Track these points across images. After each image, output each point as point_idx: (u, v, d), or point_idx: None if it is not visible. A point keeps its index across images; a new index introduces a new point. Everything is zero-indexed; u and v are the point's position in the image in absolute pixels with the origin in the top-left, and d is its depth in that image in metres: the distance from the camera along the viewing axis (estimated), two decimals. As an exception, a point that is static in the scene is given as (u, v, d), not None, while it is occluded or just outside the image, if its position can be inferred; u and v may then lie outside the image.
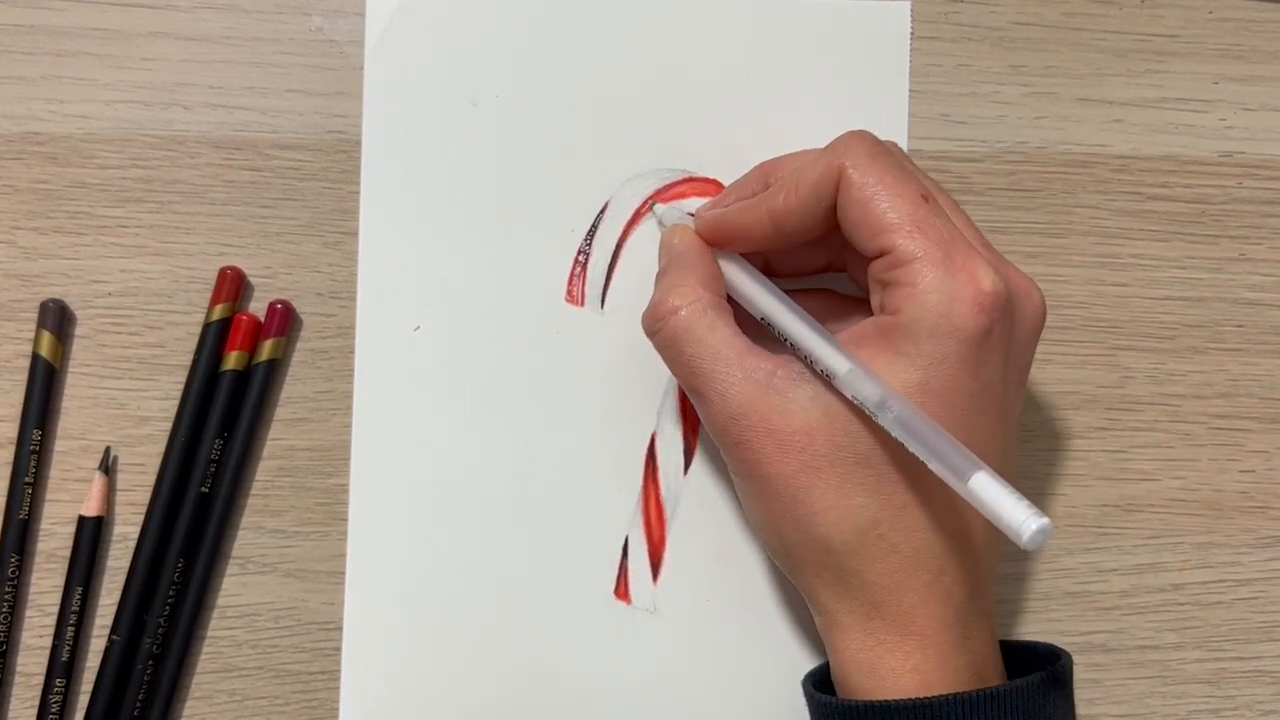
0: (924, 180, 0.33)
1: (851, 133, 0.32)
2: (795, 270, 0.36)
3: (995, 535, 0.33)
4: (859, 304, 0.35)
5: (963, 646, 0.31)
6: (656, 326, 0.33)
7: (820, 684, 0.34)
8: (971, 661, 0.32)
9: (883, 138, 0.33)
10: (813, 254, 0.35)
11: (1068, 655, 0.33)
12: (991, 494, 0.27)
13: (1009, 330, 0.31)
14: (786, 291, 0.34)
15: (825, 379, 0.31)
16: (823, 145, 0.33)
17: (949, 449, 0.28)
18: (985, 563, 0.33)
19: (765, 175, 0.35)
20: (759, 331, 0.33)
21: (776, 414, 0.31)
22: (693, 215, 0.36)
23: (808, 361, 0.32)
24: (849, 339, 0.31)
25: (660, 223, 0.37)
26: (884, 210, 0.30)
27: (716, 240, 0.35)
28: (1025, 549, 0.27)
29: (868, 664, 0.32)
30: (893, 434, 0.29)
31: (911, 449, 0.29)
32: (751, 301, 0.34)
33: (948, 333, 0.30)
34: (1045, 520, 0.27)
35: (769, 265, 0.36)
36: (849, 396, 0.30)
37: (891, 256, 0.30)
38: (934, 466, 0.29)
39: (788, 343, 0.32)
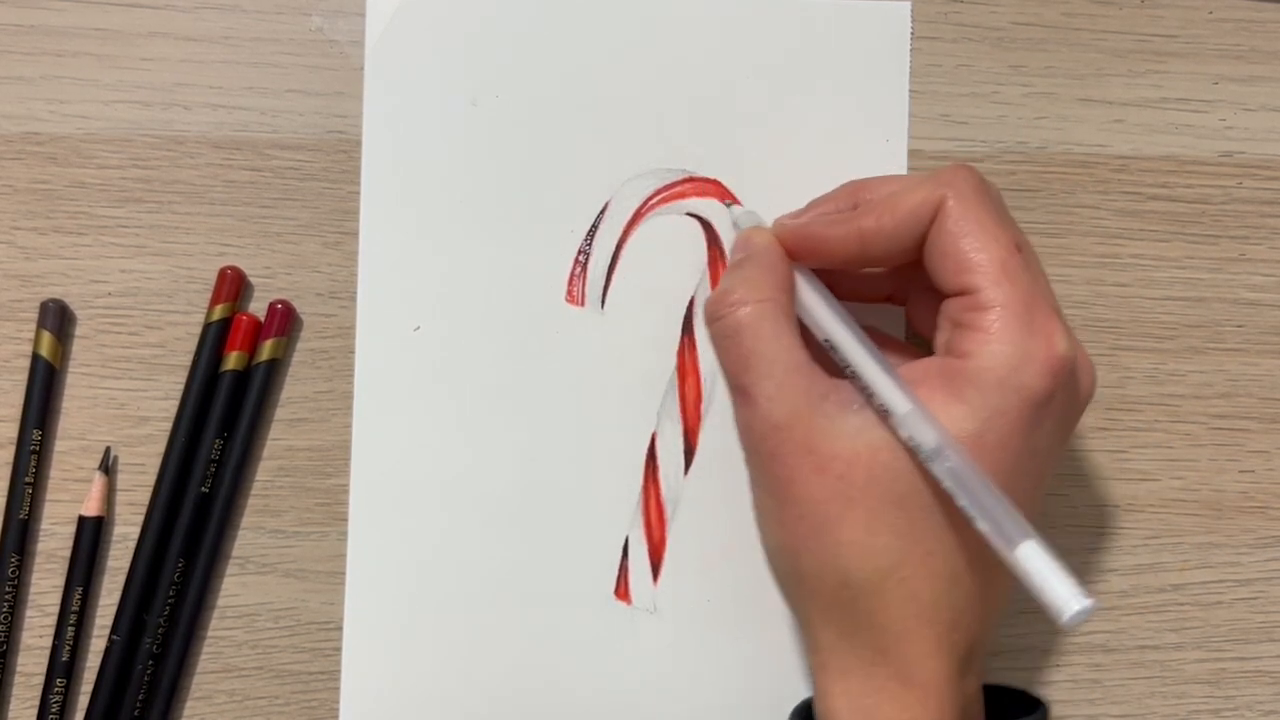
0: (1018, 232, 0.32)
1: (959, 165, 0.32)
2: (855, 296, 0.35)
3: (1006, 593, 0.32)
4: (899, 344, 0.34)
5: (958, 704, 0.31)
6: (721, 313, 0.32)
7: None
8: (963, 717, 0.31)
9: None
10: (879, 282, 0.35)
11: (1044, 706, 0.33)
12: (1038, 566, 0.27)
13: (1066, 400, 0.31)
14: None
15: (879, 413, 0.30)
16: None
17: (1001, 511, 0.28)
18: (994, 621, 0.32)
19: (854, 193, 0.34)
20: (819, 355, 0.33)
21: (820, 435, 0.30)
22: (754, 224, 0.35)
23: (866, 393, 0.31)
24: (909, 374, 0.30)
25: (735, 225, 0.36)
26: (976, 249, 0.30)
27: (797, 250, 0.33)
28: (1063, 629, 0.26)
29: (864, 710, 0.30)
30: (943, 484, 0.29)
31: (960, 503, 0.28)
32: (818, 321, 0.33)
33: (1014, 389, 0.29)
34: (1090, 601, 0.26)
35: (829, 286, 0.35)
36: (904, 437, 0.29)
37: (972, 298, 0.30)
38: (981, 526, 0.28)
39: (848, 370, 0.32)
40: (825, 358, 0.33)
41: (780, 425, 0.31)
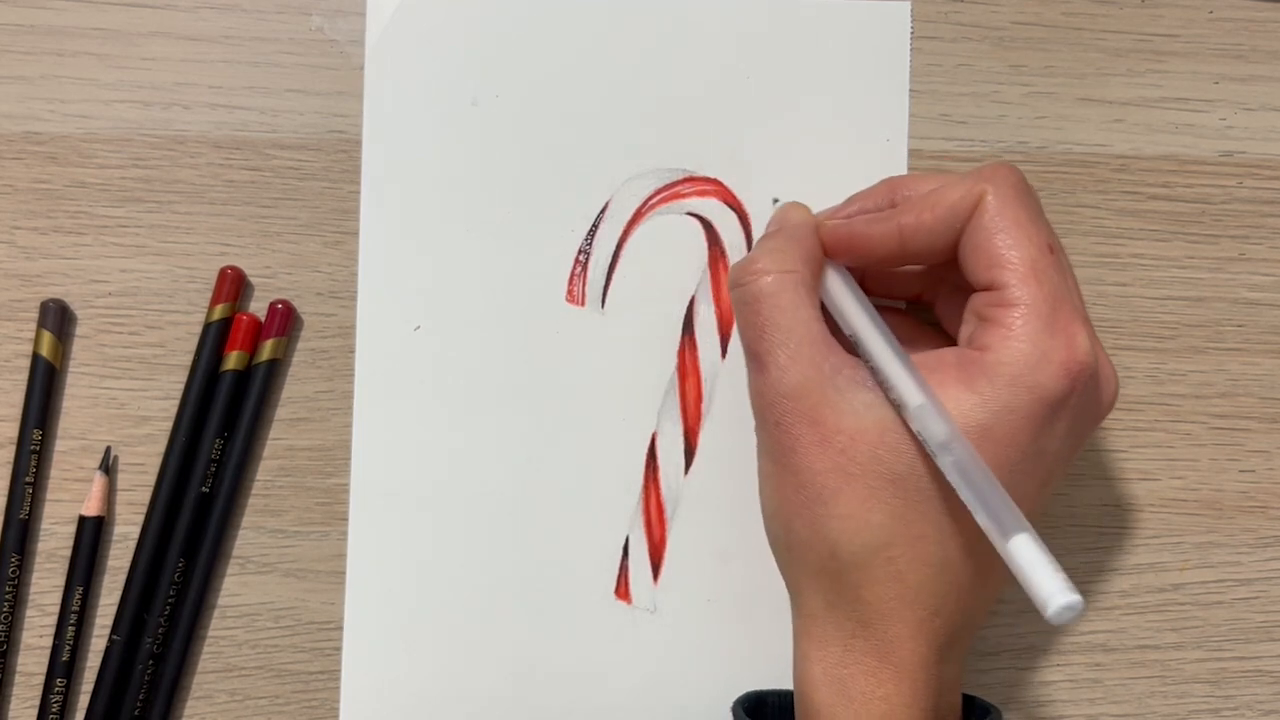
0: (1053, 235, 0.32)
1: (1001, 163, 0.32)
2: (887, 293, 0.36)
3: (996, 589, 0.33)
4: (931, 332, 0.35)
5: (934, 686, 0.31)
6: (744, 279, 0.33)
7: (752, 711, 0.34)
8: (938, 705, 0.31)
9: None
10: (910, 280, 0.35)
11: (997, 710, 0.33)
12: (1029, 559, 0.27)
13: (1083, 405, 0.31)
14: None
15: (895, 405, 0.30)
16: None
17: (1000, 504, 0.28)
18: (979, 613, 0.32)
19: (892, 190, 0.34)
20: (842, 341, 0.33)
21: (828, 407, 0.31)
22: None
23: (884, 385, 0.31)
24: (926, 361, 0.31)
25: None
26: (1008, 246, 0.30)
27: (838, 248, 0.34)
28: (1050, 622, 0.26)
29: (838, 680, 0.31)
30: (948, 476, 0.29)
31: (962, 496, 0.29)
32: (843, 313, 0.33)
33: (1029, 387, 0.29)
34: (1077, 598, 0.26)
35: (863, 280, 0.36)
36: (914, 430, 0.30)
37: (999, 294, 0.30)
38: (980, 518, 0.28)
39: (869, 362, 0.32)
40: (847, 344, 0.33)
41: (789, 394, 0.31)
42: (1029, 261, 0.30)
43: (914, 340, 0.35)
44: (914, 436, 0.30)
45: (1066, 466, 0.33)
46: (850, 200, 0.35)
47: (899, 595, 0.30)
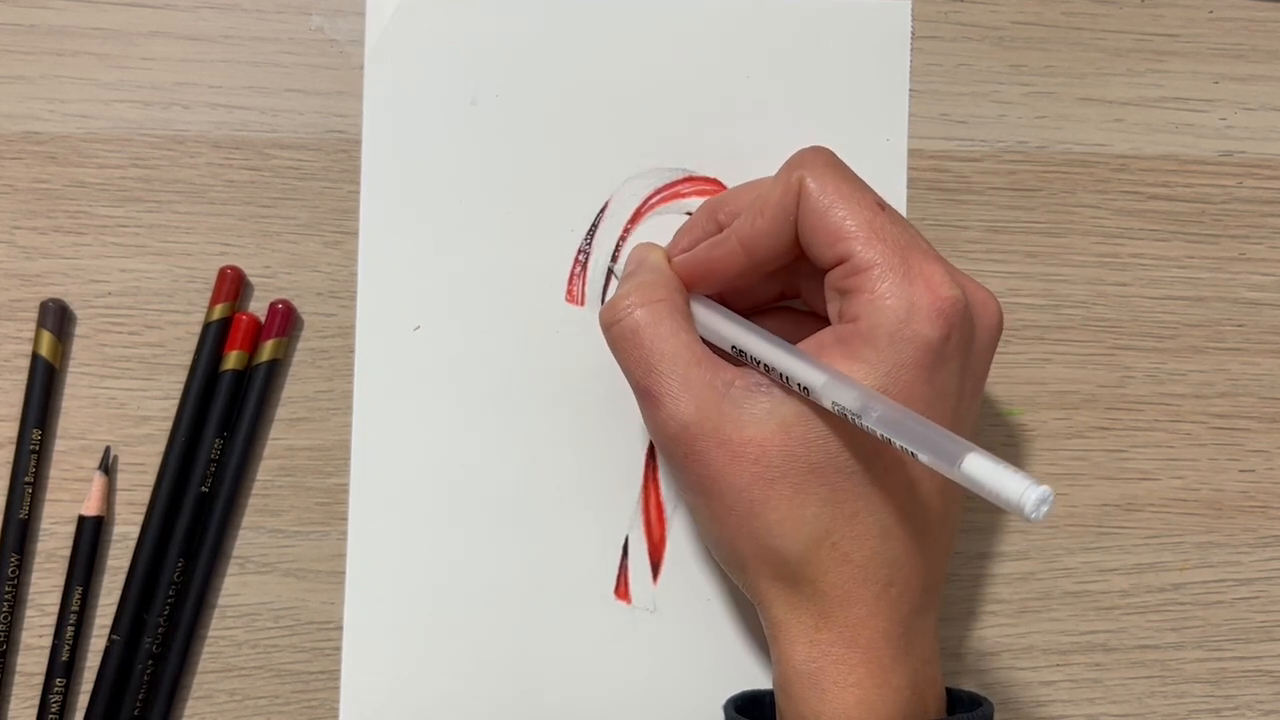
0: (877, 195, 0.32)
1: (807, 148, 0.32)
2: (751, 302, 0.36)
3: (946, 546, 0.33)
4: (816, 320, 0.35)
5: (904, 662, 0.31)
6: (618, 316, 0.33)
7: (742, 709, 0.34)
8: (914, 680, 0.31)
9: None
10: (768, 284, 0.35)
11: (989, 702, 0.33)
12: (987, 473, 0.26)
13: (966, 339, 0.31)
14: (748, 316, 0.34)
15: (784, 388, 0.31)
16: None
17: (937, 437, 0.28)
18: (935, 573, 0.33)
19: (713, 212, 0.34)
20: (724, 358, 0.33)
21: (730, 424, 0.31)
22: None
23: (784, 380, 0.31)
24: (808, 348, 0.31)
25: (615, 275, 0.38)
26: (841, 218, 0.30)
27: (693, 278, 0.34)
28: (1029, 521, 0.26)
29: (810, 675, 0.31)
30: (878, 434, 0.29)
31: (899, 445, 0.28)
32: (721, 331, 0.34)
33: (906, 339, 0.30)
34: (1045, 488, 0.26)
35: (725, 302, 0.36)
36: (829, 406, 0.30)
37: (849, 264, 0.30)
38: (924, 458, 0.28)
39: (761, 366, 0.32)
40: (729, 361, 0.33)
41: (689, 422, 0.31)
42: (865, 224, 0.30)
43: (803, 331, 0.35)
44: (820, 423, 0.30)
45: (976, 398, 0.33)
46: (679, 235, 0.36)
47: (851, 576, 0.31)
